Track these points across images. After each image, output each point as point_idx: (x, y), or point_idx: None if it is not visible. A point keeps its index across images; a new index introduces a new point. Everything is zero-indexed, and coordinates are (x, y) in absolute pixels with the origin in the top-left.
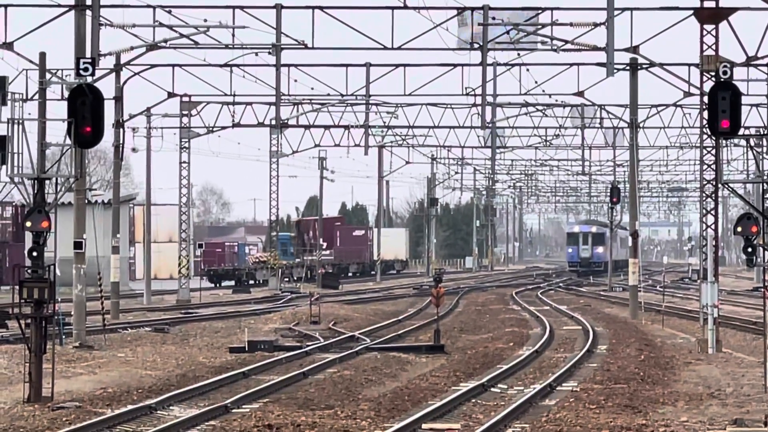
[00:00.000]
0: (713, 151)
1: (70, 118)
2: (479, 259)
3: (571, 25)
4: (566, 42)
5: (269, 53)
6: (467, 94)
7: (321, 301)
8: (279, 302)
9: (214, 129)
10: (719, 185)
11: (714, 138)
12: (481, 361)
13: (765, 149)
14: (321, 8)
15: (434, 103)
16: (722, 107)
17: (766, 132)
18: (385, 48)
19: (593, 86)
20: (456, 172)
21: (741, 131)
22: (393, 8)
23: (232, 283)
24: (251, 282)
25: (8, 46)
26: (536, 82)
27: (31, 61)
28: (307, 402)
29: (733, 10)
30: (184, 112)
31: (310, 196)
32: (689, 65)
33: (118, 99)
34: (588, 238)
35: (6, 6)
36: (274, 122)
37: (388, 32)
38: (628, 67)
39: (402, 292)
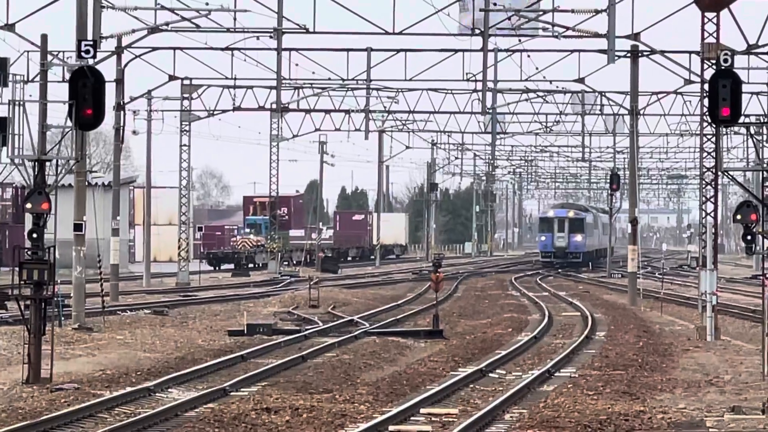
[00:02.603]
0: (713, 139)
1: (71, 100)
2: (478, 245)
3: (572, 11)
4: (567, 28)
5: (270, 37)
6: (468, 80)
7: (320, 285)
8: (278, 286)
9: (215, 112)
10: (719, 173)
11: (714, 126)
12: (479, 346)
13: (765, 137)
14: None
15: (435, 88)
16: (723, 95)
17: (766, 120)
18: (387, 33)
19: (594, 73)
20: (456, 158)
21: (741, 119)
22: None
23: (232, 266)
24: (250, 265)
25: (10, 27)
26: (537, 69)
27: (32, 43)
28: (305, 385)
29: None
30: (185, 96)
31: (310, 180)
32: (690, 53)
33: (119, 81)
34: (564, 225)
35: None
36: (274, 106)
37: (390, 17)
38: (628, 54)
39: (401, 277)
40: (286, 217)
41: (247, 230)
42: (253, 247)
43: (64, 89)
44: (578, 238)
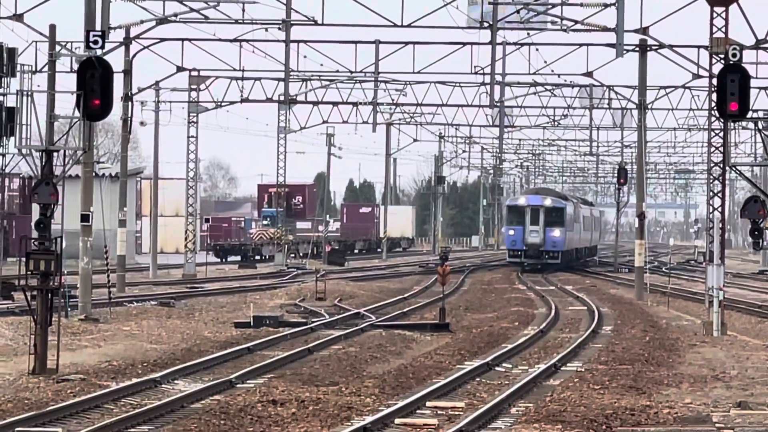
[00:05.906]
0: (721, 134)
1: (79, 91)
2: (485, 238)
3: (581, 5)
4: (576, 22)
5: (279, 29)
6: (476, 73)
7: (327, 277)
8: (285, 278)
9: (223, 104)
10: (727, 168)
11: (722, 120)
12: (486, 340)
13: None
14: None
15: (443, 81)
16: (731, 90)
17: None
18: (395, 25)
19: (602, 67)
20: (464, 151)
21: (749, 114)
22: None
23: (238, 258)
24: (257, 257)
25: (18, 17)
26: (545, 62)
27: (41, 33)
28: (311, 378)
29: None
30: (193, 87)
31: (318, 173)
32: (698, 47)
33: (127, 72)
34: (539, 216)
35: None
36: (282, 98)
37: (398, 9)
38: (637, 48)
39: (408, 270)
40: (301, 206)
41: (265, 222)
42: (270, 239)
43: (72, 80)
44: (556, 233)
